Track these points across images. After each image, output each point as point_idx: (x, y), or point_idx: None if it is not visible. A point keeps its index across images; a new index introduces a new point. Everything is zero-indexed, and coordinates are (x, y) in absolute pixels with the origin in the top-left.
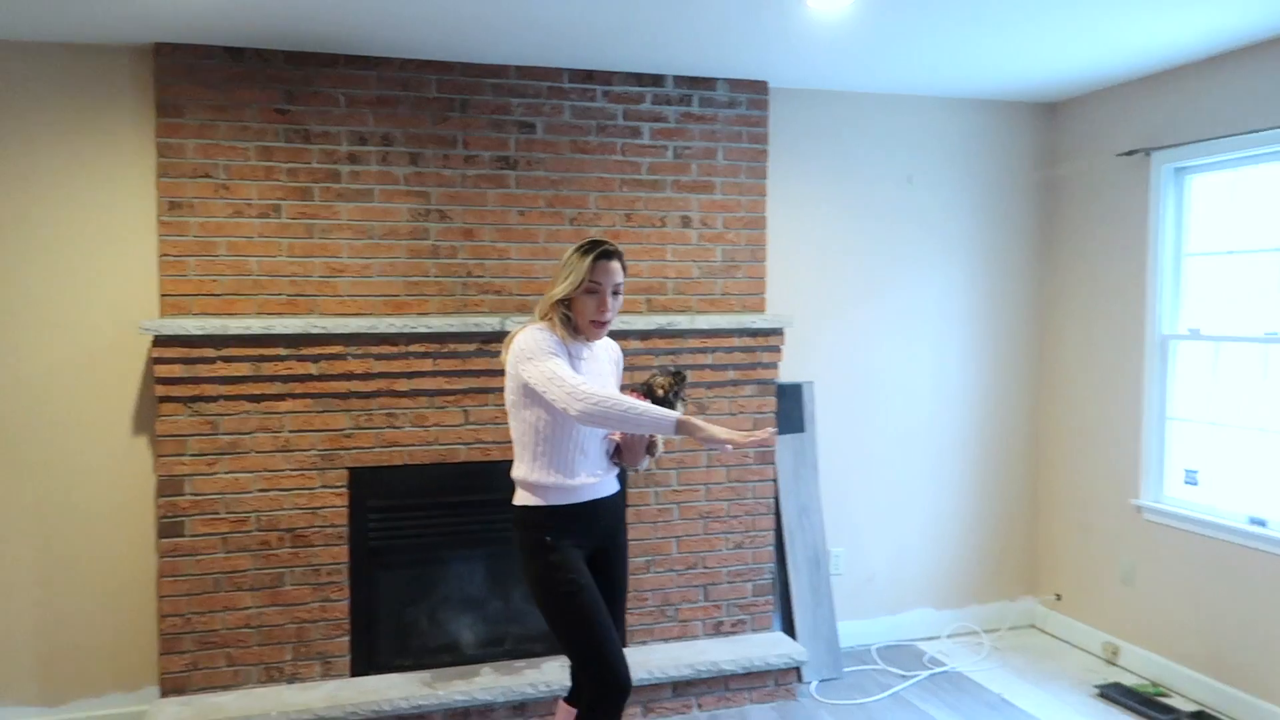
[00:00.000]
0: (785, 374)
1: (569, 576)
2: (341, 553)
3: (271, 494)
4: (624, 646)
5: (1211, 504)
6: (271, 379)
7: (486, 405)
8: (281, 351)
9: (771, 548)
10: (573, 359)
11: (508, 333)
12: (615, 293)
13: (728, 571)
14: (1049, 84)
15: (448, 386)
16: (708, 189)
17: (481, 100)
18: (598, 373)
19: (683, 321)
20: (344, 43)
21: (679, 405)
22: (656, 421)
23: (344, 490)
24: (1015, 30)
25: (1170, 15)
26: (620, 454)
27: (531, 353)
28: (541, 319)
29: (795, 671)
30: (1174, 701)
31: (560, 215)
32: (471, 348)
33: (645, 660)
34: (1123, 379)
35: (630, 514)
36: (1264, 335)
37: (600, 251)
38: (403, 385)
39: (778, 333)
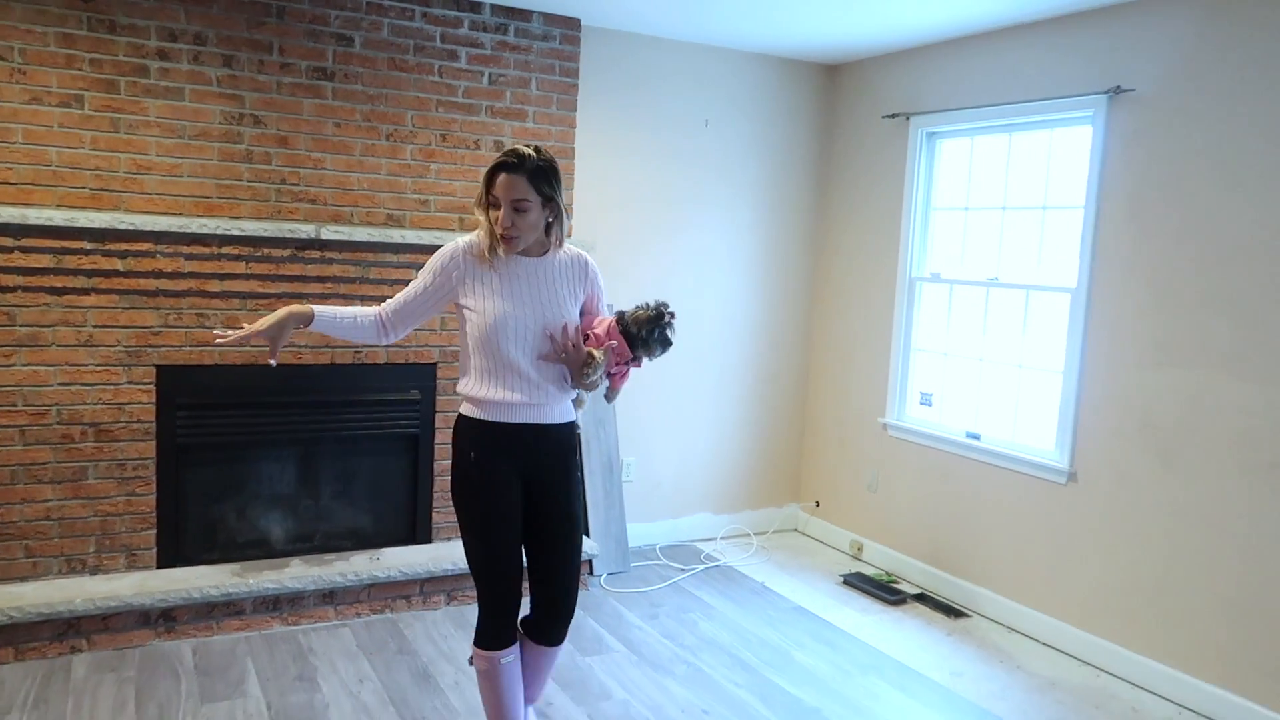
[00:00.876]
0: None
1: (478, 492)
2: (149, 448)
3: (74, 388)
4: (568, 587)
5: (940, 422)
6: (75, 272)
7: None
8: (86, 245)
9: None
10: (504, 276)
11: (322, 240)
12: (519, 209)
13: None
14: (830, 48)
15: (261, 290)
16: (520, 116)
17: (299, 9)
18: (541, 289)
19: None
20: None
21: (654, 348)
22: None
23: (151, 387)
24: None
25: None
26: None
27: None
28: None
29: (588, 564)
30: (903, 586)
31: (377, 130)
32: (286, 253)
33: (449, 553)
34: (878, 314)
35: (439, 419)
36: (986, 280)
37: (495, 164)
38: (214, 286)
39: None
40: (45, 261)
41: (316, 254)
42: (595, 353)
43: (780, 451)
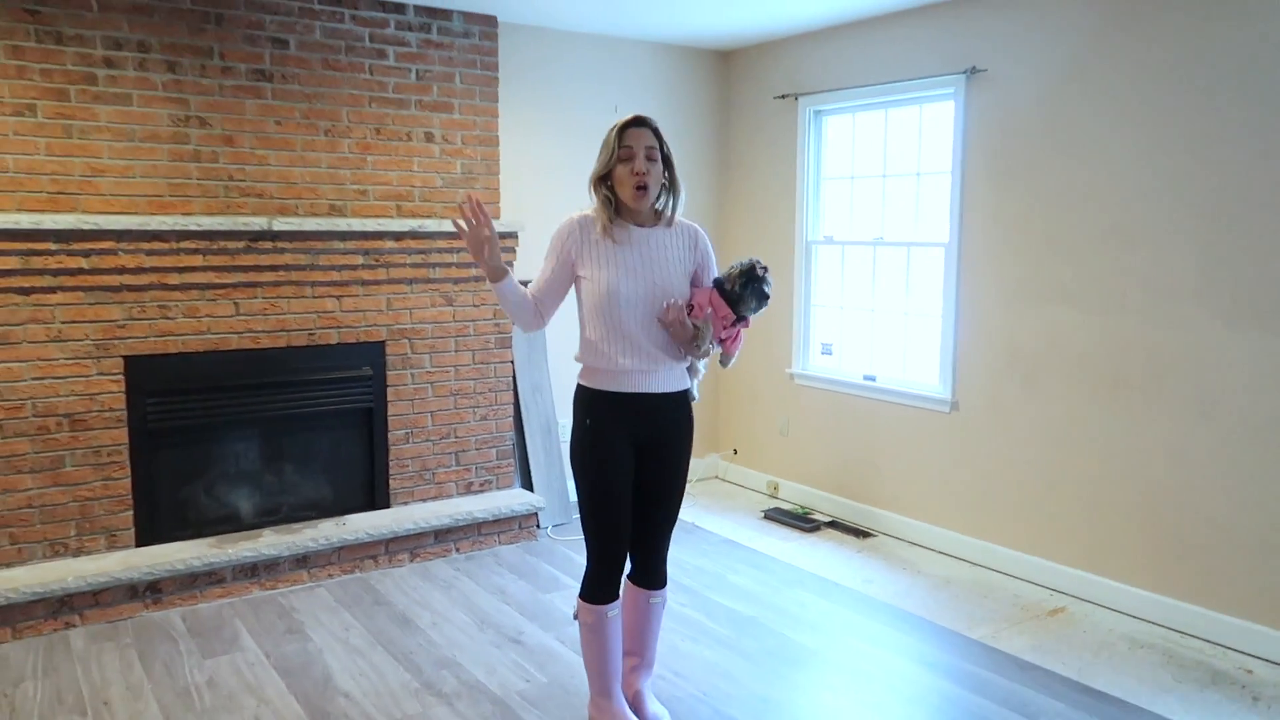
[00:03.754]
0: (517, 271)
1: (593, 460)
2: (121, 435)
3: (47, 382)
4: (660, 543)
5: (839, 368)
6: (41, 272)
7: (256, 298)
8: (52, 246)
9: (511, 419)
10: (618, 246)
11: (274, 232)
12: (650, 158)
13: (475, 440)
14: (723, 35)
15: (218, 280)
16: (448, 109)
17: (235, 15)
18: (655, 261)
19: (432, 225)
20: None
21: (749, 302)
22: (500, 291)
23: (120, 377)
24: None
25: None
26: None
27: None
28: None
29: (534, 517)
30: (817, 516)
31: (315, 126)
32: (240, 245)
33: (410, 515)
34: (780, 276)
35: (390, 393)
36: (873, 240)
37: (623, 124)
38: (174, 279)
39: (513, 235)
40: (13, 264)
41: (269, 245)
42: (698, 323)
43: (700, 406)
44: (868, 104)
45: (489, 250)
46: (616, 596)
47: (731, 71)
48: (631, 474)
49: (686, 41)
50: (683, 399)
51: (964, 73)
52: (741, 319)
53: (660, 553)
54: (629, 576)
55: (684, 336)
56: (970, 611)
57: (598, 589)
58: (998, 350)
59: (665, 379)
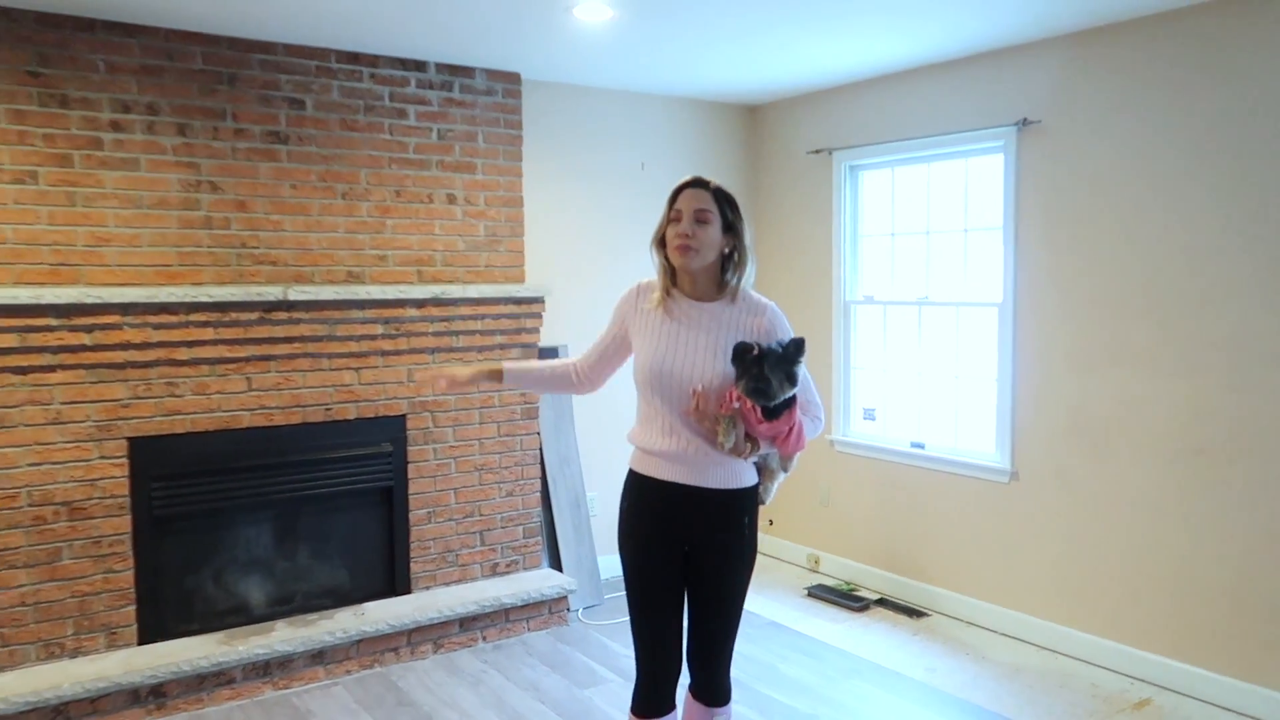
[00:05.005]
0: (543, 338)
1: (625, 548)
2: (124, 523)
3: (44, 468)
4: (712, 658)
5: (884, 434)
6: (40, 350)
7: (269, 372)
8: (51, 321)
9: (538, 494)
10: (667, 318)
11: (290, 301)
12: (701, 220)
13: (501, 518)
14: (751, 90)
15: (229, 354)
16: (470, 169)
17: (249, 75)
18: (703, 336)
19: (455, 291)
20: (99, 7)
21: (757, 394)
22: (517, 385)
23: (123, 460)
24: (726, 45)
25: (842, 42)
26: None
27: None
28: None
29: (565, 600)
30: (864, 593)
31: (332, 189)
32: (254, 316)
33: (433, 602)
34: (816, 337)
35: (411, 469)
36: (917, 300)
37: (679, 186)
38: (183, 354)
39: (539, 300)
40: (10, 341)
41: (284, 315)
42: (720, 416)
43: None
44: (908, 158)
45: (463, 379)
46: (664, 713)
47: (760, 126)
48: (674, 577)
49: (714, 96)
50: (733, 499)
51: (1014, 125)
52: (772, 412)
53: (714, 667)
54: (690, 687)
55: (710, 430)
56: (1048, 704)
57: (639, 702)
58: (1061, 416)
59: (709, 473)
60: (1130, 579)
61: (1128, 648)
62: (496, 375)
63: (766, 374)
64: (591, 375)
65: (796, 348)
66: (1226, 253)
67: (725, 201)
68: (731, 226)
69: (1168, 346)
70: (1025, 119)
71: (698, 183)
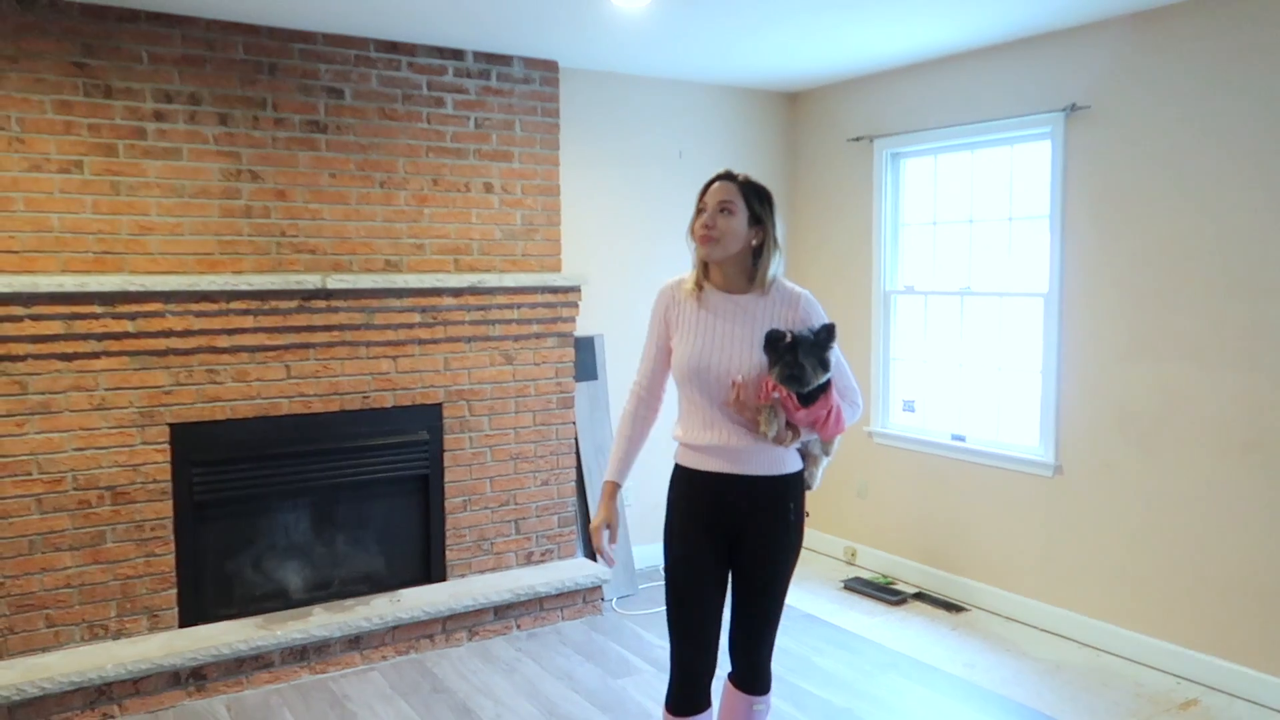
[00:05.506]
0: (579, 327)
1: (670, 543)
2: (165, 508)
3: (88, 452)
4: (755, 645)
5: (924, 426)
6: (85, 337)
7: (308, 360)
8: (96, 309)
9: (573, 483)
10: (702, 311)
11: (329, 290)
12: (725, 210)
13: (536, 506)
14: (791, 77)
15: (269, 342)
16: (507, 158)
17: (289, 64)
18: (738, 328)
19: (491, 280)
20: None
21: (792, 381)
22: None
23: (165, 446)
24: (767, 31)
25: (884, 27)
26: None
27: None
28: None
29: (599, 590)
30: (901, 587)
31: (370, 179)
32: (293, 304)
33: (468, 589)
34: (856, 327)
35: (447, 458)
36: (959, 290)
37: (713, 176)
38: (223, 342)
39: (575, 290)
40: (56, 328)
41: (323, 303)
42: (761, 406)
43: None
44: (951, 145)
45: (611, 513)
46: (699, 710)
47: (800, 113)
48: (717, 570)
49: (753, 84)
50: (779, 485)
51: (1063, 110)
52: (807, 396)
53: (756, 655)
54: (730, 675)
55: (751, 419)
56: (1090, 703)
57: (673, 697)
58: (1107, 409)
59: (753, 460)
60: (1178, 576)
61: (1174, 646)
62: (616, 490)
63: (800, 360)
64: (656, 392)
65: (828, 333)
66: None
67: (754, 194)
68: (759, 219)
69: (1220, 338)
70: (1074, 104)
71: (726, 176)
